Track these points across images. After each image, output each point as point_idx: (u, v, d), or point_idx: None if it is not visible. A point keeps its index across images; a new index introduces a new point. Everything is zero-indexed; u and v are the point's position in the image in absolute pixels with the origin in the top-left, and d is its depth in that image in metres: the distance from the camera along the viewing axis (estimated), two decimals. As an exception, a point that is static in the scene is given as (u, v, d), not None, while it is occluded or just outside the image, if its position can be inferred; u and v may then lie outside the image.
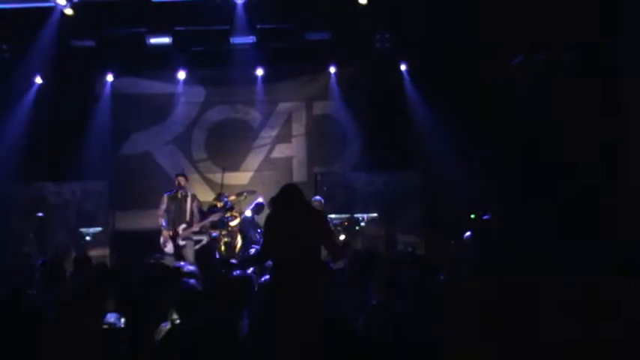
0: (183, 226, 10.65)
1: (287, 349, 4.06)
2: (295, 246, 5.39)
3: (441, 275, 5.16)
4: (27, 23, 10.93)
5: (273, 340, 4.07)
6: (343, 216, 11.38)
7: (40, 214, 11.63)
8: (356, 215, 11.70)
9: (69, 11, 10.06)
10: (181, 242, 10.64)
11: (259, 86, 12.99)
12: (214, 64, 12.81)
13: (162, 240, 10.69)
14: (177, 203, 10.75)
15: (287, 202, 5.68)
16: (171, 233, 10.59)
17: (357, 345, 3.49)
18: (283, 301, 5.01)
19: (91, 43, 11.67)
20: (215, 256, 10.04)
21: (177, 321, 4.37)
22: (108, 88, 12.93)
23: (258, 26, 11.69)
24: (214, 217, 11.07)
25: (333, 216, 11.18)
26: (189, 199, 10.76)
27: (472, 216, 10.68)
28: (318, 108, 13.41)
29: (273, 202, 5.80)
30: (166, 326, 4.06)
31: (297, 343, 3.96)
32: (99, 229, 12.07)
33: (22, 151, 12.04)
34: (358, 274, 5.44)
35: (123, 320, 3.66)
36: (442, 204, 11.71)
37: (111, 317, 3.67)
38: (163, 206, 10.77)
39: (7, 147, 11.99)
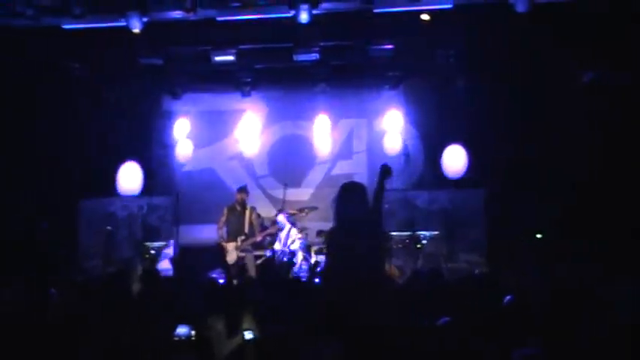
0: (242, 237, 10.89)
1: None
2: (358, 262, 5.43)
3: (507, 296, 5.16)
4: (97, 42, 11.33)
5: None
6: (404, 234, 11.40)
7: (109, 228, 12.01)
8: (417, 233, 11.71)
9: (137, 30, 10.38)
10: (240, 254, 10.88)
11: (321, 103, 13.13)
12: (277, 81, 13.08)
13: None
14: (237, 215, 11.01)
15: (349, 212, 5.68)
16: (230, 245, 10.84)
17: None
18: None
19: (158, 61, 12.02)
20: (276, 270, 10.26)
21: (247, 335, 4.49)
22: (173, 105, 13.27)
23: (321, 43, 11.87)
24: (272, 230, 11.27)
25: (394, 233, 11.22)
26: (247, 212, 11.03)
27: (538, 236, 10.61)
28: (380, 124, 13.48)
29: (336, 209, 5.77)
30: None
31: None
32: (163, 243, 12.35)
33: (92, 166, 12.49)
34: (420, 294, 5.48)
35: (193, 333, 3.82)
36: (506, 223, 11.65)
37: (182, 329, 3.82)
38: (223, 218, 11.10)
39: (76, 162, 12.45)
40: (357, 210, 5.65)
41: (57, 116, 12.30)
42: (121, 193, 12.38)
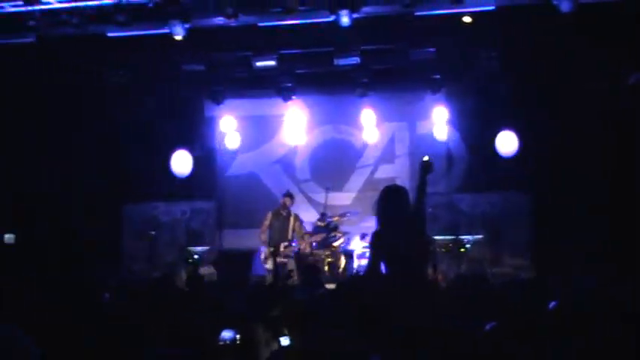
0: (285, 243, 10.92)
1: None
2: (403, 265, 5.42)
3: (552, 302, 5.08)
4: (141, 50, 11.51)
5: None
6: (447, 238, 11.33)
7: (152, 233, 12.17)
8: (460, 237, 11.63)
9: (179, 37, 10.49)
10: (282, 260, 10.91)
11: (363, 106, 13.11)
12: (318, 86, 13.13)
13: (262, 256, 11.01)
14: (281, 221, 11.05)
15: (392, 214, 5.66)
16: (272, 250, 10.88)
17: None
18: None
19: (200, 67, 12.15)
20: (320, 274, 10.28)
21: (284, 340, 4.50)
22: (216, 111, 13.39)
23: (362, 47, 11.89)
24: (317, 239, 11.32)
25: (437, 237, 11.17)
26: (292, 218, 11.06)
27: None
28: (422, 127, 13.42)
29: (379, 211, 5.76)
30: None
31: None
32: (206, 247, 12.46)
33: (135, 171, 12.69)
34: (463, 298, 5.43)
35: (238, 337, 3.85)
36: (553, 226, 11.52)
37: (227, 333, 3.85)
38: (267, 222, 11.14)
39: (120, 167, 12.66)
40: (399, 213, 5.64)
41: (102, 122, 12.51)
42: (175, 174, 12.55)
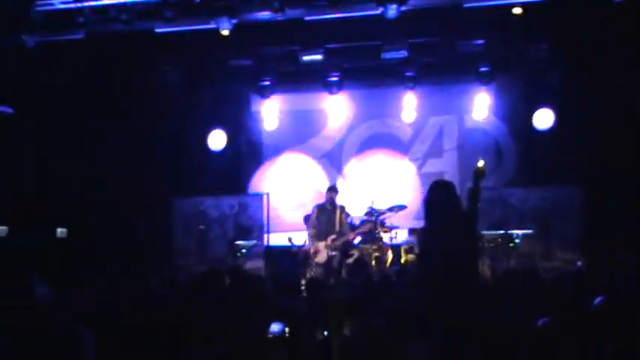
0: (333, 236, 10.92)
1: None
2: (450, 261, 5.36)
3: (599, 297, 4.99)
4: (188, 45, 11.62)
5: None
6: (497, 233, 11.19)
7: (201, 227, 12.28)
8: (510, 232, 11.48)
9: (226, 32, 10.53)
10: (331, 253, 10.92)
11: (410, 100, 13.01)
12: (365, 79, 13.08)
13: (312, 250, 11.03)
14: (327, 215, 11.05)
15: (440, 209, 5.62)
16: (320, 244, 10.90)
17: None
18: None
19: (247, 62, 12.21)
20: (367, 268, 10.25)
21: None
22: (262, 105, 13.44)
23: (409, 40, 11.81)
24: (364, 229, 11.26)
25: (486, 232, 11.04)
26: (338, 211, 11.04)
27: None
28: (471, 121, 13.26)
29: (427, 206, 5.70)
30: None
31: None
32: (254, 242, 12.52)
33: (184, 166, 12.84)
34: (514, 294, 5.36)
35: (287, 330, 3.85)
36: (604, 220, 11.29)
37: (275, 326, 3.86)
38: (314, 217, 11.15)
39: (169, 161, 12.81)
40: (447, 208, 5.58)
41: (150, 118, 12.65)
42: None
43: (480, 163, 5.85)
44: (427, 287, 5.46)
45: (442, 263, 5.42)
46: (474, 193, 5.72)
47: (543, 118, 12.20)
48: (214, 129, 13.08)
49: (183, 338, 4.50)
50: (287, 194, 13.55)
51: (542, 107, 12.25)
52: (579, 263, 10.69)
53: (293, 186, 13.61)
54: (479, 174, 5.76)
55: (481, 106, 12.84)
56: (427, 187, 5.80)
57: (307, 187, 13.47)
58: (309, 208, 11.60)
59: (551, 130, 12.18)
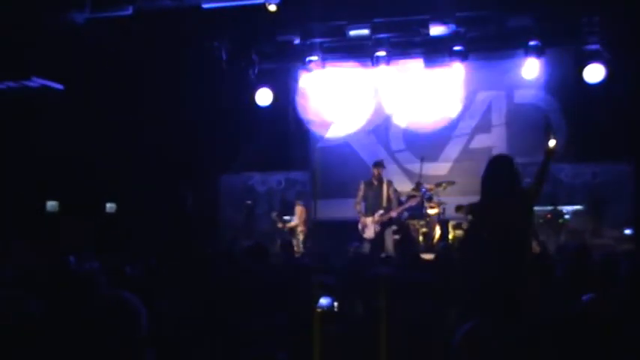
0: (381, 212, 10.91)
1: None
2: (506, 239, 5.30)
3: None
4: (236, 21, 11.64)
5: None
6: (546, 208, 11.06)
7: (249, 202, 12.39)
8: (560, 208, 11.34)
9: (273, 7, 10.49)
10: (378, 228, 10.91)
11: (458, 75, 12.84)
12: (414, 54, 12.96)
13: (360, 226, 11.05)
14: (374, 190, 11.03)
15: (499, 185, 5.53)
16: (368, 219, 10.90)
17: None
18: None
19: (294, 38, 12.19)
20: (415, 245, 10.24)
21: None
22: (310, 81, 13.42)
23: (457, 14, 11.66)
24: (412, 203, 11.22)
25: (536, 208, 10.91)
26: (385, 186, 11.02)
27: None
28: (520, 96, 13.09)
29: (485, 182, 5.61)
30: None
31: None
32: (301, 218, 12.58)
33: (231, 143, 12.92)
34: (568, 270, 5.30)
35: (336, 304, 3.88)
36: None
37: (324, 300, 3.89)
38: (361, 193, 11.14)
39: (217, 138, 12.91)
40: (506, 184, 5.50)
41: (199, 93, 12.74)
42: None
43: (552, 143, 5.76)
44: (478, 264, 5.42)
45: (497, 239, 5.36)
46: (542, 172, 5.64)
47: (594, 73, 11.88)
48: (262, 107, 13.10)
49: (242, 305, 4.56)
50: (334, 170, 13.50)
51: (592, 83, 11.98)
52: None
53: (340, 162, 13.55)
54: (550, 153, 5.68)
55: (530, 80, 12.61)
56: (487, 163, 5.72)
57: (354, 163, 13.41)
58: (356, 184, 11.60)
59: (604, 104, 11.88)
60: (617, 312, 3.77)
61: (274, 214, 12.11)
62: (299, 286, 5.11)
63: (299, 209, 12.17)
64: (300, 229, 12.04)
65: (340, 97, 13.60)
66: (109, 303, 2.83)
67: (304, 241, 11.92)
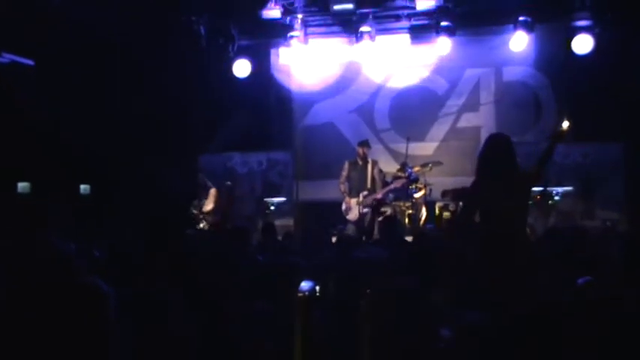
0: (365, 193, 10.86)
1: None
2: (501, 225, 5.23)
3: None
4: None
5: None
6: (536, 190, 11.03)
7: (228, 184, 12.26)
8: (549, 189, 11.32)
9: (254, -20, 10.37)
10: (363, 210, 10.87)
11: (445, 51, 12.71)
12: (398, 29, 12.83)
13: (344, 207, 11.02)
14: (359, 170, 10.99)
15: (495, 165, 5.44)
16: (352, 201, 10.86)
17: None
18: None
19: (276, 13, 12.03)
20: (398, 227, 10.18)
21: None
22: (291, 57, 13.26)
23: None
24: (397, 184, 11.15)
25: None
26: (369, 166, 10.99)
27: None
28: (509, 74, 13.02)
29: (481, 161, 5.52)
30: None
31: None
32: (283, 199, 12.52)
33: (211, 122, 12.78)
34: (559, 252, 5.25)
35: (318, 288, 3.79)
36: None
37: (306, 285, 3.80)
38: (344, 173, 11.11)
39: (196, 117, 12.76)
40: (503, 165, 5.40)
41: (176, 70, 12.56)
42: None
43: (565, 124, 5.67)
44: (470, 246, 5.35)
45: (491, 221, 5.29)
46: (548, 154, 5.55)
47: (582, 44, 11.81)
48: (242, 82, 12.92)
49: (221, 292, 4.49)
50: (317, 150, 13.39)
51: (584, 60, 11.91)
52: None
53: (323, 141, 13.45)
54: (560, 135, 5.57)
55: (520, 57, 12.53)
56: (484, 141, 5.62)
57: (338, 142, 13.32)
58: (340, 165, 11.52)
59: (596, 83, 11.82)
60: (614, 294, 3.74)
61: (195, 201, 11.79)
62: (280, 270, 5.03)
63: (213, 192, 11.63)
64: (210, 218, 11.52)
65: (323, 75, 13.45)
66: (80, 288, 2.79)
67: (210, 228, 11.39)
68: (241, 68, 12.75)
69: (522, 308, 3.77)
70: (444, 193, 11.11)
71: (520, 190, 5.43)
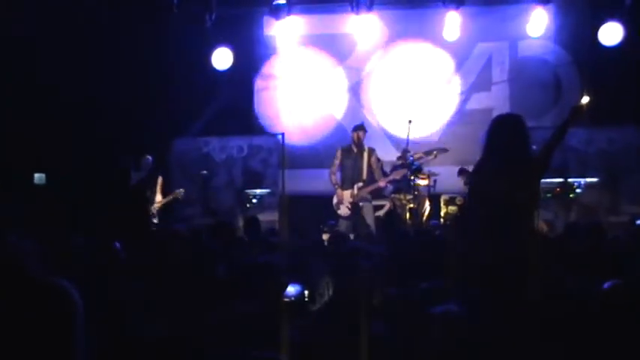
0: (360, 184, 10.86)
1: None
2: (505, 210, 5.28)
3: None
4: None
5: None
6: (555, 181, 11.09)
7: (204, 172, 12.27)
8: (571, 180, 11.38)
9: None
10: (357, 204, 10.87)
11: (453, 23, 12.76)
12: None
13: (335, 201, 11.00)
14: (353, 158, 10.96)
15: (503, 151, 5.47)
16: (345, 193, 10.84)
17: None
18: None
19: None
20: (400, 223, 10.23)
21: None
22: (277, 29, 13.26)
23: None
24: (397, 176, 11.16)
25: (542, 180, 10.95)
26: (365, 154, 10.95)
27: None
28: (525, 49, 13.12)
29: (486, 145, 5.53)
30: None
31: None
32: (266, 190, 12.53)
33: (186, 103, 12.78)
34: (581, 251, 5.33)
35: (307, 293, 3.83)
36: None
37: (292, 289, 3.83)
38: (337, 161, 11.06)
39: (168, 99, 12.76)
40: (509, 149, 5.43)
41: (145, 43, 12.55)
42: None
43: (585, 100, 5.66)
44: (472, 241, 5.40)
45: (493, 212, 5.34)
46: (559, 134, 5.55)
47: (611, 33, 11.92)
48: (221, 56, 12.92)
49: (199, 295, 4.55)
50: (306, 135, 13.45)
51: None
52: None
53: (312, 125, 13.51)
54: (579, 111, 5.56)
55: (538, 30, 12.58)
56: (490, 123, 5.64)
57: (329, 125, 13.38)
58: (332, 152, 11.56)
59: (624, 60, 11.90)
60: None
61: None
62: (264, 271, 5.08)
63: (160, 181, 11.84)
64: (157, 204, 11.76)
65: (313, 49, 13.49)
66: (40, 289, 2.83)
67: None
68: (221, 58, 12.78)
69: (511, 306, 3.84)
70: (461, 171, 11.15)
71: (523, 177, 5.44)
